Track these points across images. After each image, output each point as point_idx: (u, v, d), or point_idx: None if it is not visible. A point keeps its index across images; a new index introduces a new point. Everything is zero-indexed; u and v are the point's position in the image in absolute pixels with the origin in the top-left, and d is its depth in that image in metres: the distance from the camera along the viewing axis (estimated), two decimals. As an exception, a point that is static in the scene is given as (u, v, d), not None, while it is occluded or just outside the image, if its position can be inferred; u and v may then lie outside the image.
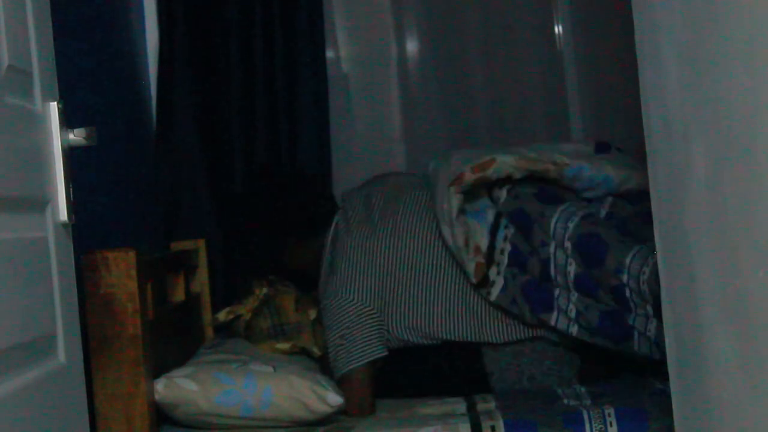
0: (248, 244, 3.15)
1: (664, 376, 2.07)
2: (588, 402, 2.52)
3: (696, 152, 1.42)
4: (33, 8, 1.69)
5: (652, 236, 2.43)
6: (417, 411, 2.59)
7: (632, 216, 2.68)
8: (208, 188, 3.53)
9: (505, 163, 2.70)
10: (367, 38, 3.79)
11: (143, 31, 3.55)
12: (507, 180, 2.75)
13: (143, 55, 3.53)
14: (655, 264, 2.49)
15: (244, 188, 3.27)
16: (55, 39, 1.82)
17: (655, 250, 2.51)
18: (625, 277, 2.54)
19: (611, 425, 2.32)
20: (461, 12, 3.75)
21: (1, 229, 1.50)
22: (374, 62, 3.78)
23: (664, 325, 1.75)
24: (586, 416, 2.35)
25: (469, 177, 2.67)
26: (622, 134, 3.60)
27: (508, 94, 3.75)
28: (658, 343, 2.50)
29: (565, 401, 2.56)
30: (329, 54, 3.67)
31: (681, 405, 1.70)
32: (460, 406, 2.58)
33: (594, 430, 2.32)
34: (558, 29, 3.76)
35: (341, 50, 3.76)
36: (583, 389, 2.65)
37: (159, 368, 2.41)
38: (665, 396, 2.07)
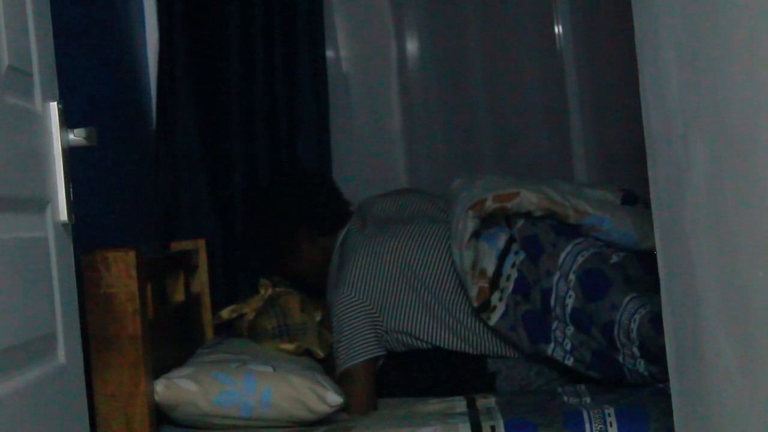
0: (258, 236, 3.17)
1: (664, 376, 2.07)
2: (588, 400, 2.53)
3: (696, 152, 1.42)
4: (33, 8, 1.69)
5: (655, 296, 2.44)
6: (417, 410, 2.59)
7: (639, 277, 2.68)
8: (208, 188, 3.53)
9: (528, 199, 2.72)
10: (367, 38, 3.79)
11: (143, 31, 3.55)
12: (526, 214, 2.76)
13: (143, 55, 3.53)
14: (651, 312, 2.51)
15: (269, 184, 3.29)
16: (55, 39, 1.82)
17: (650, 303, 2.53)
18: (618, 315, 2.57)
19: (611, 425, 2.32)
20: (461, 12, 3.75)
21: (1, 229, 1.50)
22: (374, 62, 3.78)
23: (665, 326, 1.75)
24: (586, 416, 2.35)
25: (489, 205, 2.70)
26: (622, 134, 3.61)
27: (508, 94, 3.75)
28: (653, 375, 2.54)
29: (565, 399, 2.56)
30: (329, 54, 3.67)
31: (681, 405, 1.70)
32: (460, 404, 2.59)
33: (594, 430, 2.32)
34: (558, 29, 3.76)
35: (341, 50, 3.76)
36: (583, 387, 2.66)
37: (159, 368, 2.41)
38: (665, 396, 2.07)
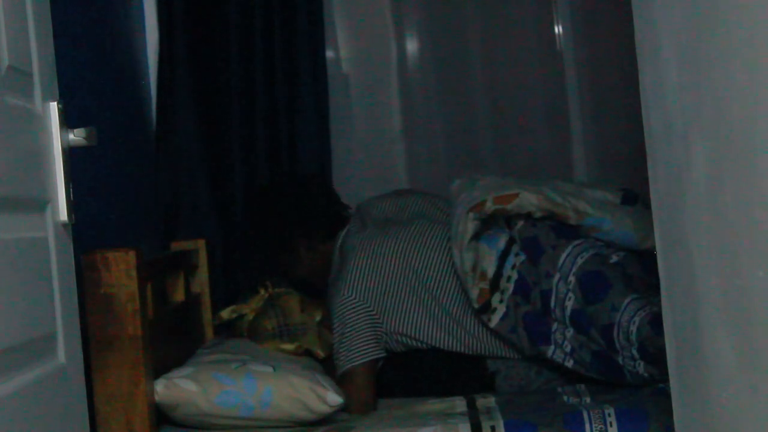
0: (257, 247, 3.18)
1: (664, 377, 2.07)
2: (588, 399, 2.53)
3: (696, 152, 1.42)
4: (33, 8, 1.70)
5: (655, 297, 2.44)
6: (417, 410, 2.59)
7: (639, 278, 2.68)
8: (208, 188, 3.53)
9: (528, 201, 2.71)
10: (367, 38, 3.79)
11: (143, 31, 3.55)
12: (526, 215, 2.76)
13: (143, 55, 3.53)
14: (651, 313, 2.51)
15: (258, 196, 3.29)
16: (55, 39, 1.82)
17: (649, 305, 2.53)
18: (617, 316, 2.57)
19: (611, 425, 2.32)
20: (461, 12, 3.75)
21: (1, 229, 1.50)
22: (374, 62, 3.78)
23: (665, 326, 1.75)
24: (586, 416, 2.35)
25: (489, 207, 2.69)
26: (622, 134, 3.61)
27: (508, 94, 3.75)
28: (653, 376, 2.54)
29: (565, 398, 2.56)
30: (329, 54, 3.67)
31: (681, 405, 1.70)
32: (460, 404, 2.59)
33: (594, 430, 2.32)
34: (558, 29, 3.76)
35: (341, 50, 3.75)
36: (583, 386, 2.66)
37: (159, 368, 2.41)
38: (665, 396, 2.07)
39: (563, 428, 2.32)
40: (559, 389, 2.68)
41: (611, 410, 2.36)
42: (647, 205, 2.80)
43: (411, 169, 3.75)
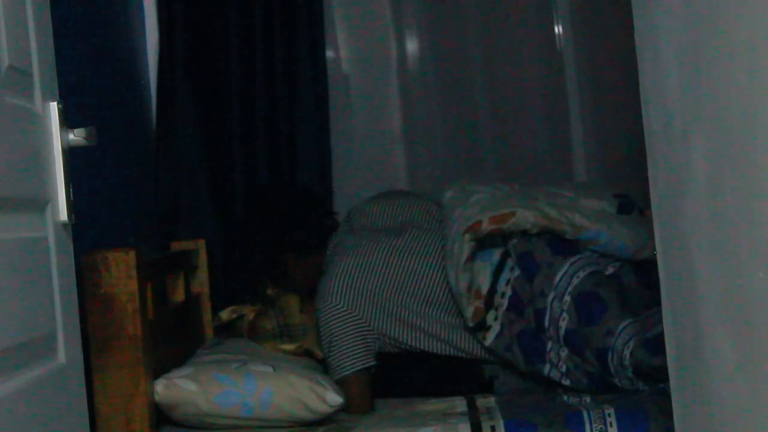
0: (249, 264, 3.16)
1: (665, 376, 2.07)
2: (588, 400, 2.53)
3: (696, 152, 1.42)
4: (33, 8, 1.70)
5: (650, 311, 2.44)
6: (417, 410, 2.59)
7: (635, 289, 2.68)
8: (208, 188, 3.53)
9: (525, 219, 2.69)
10: (367, 38, 3.79)
11: (143, 31, 3.55)
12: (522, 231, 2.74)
13: (143, 55, 3.53)
14: (645, 337, 2.51)
15: (246, 208, 3.27)
16: (55, 39, 1.82)
17: (643, 330, 2.53)
18: (612, 340, 2.56)
19: (611, 425, 2.32)
20: (461, 12, 3.75)
21: (1, 229, 1.50)
22: (374, 62, 3.78)
23: (665, 326, 1.75)
24: (586, 416, 2.35)
25: (486, 227, 2.67)
26: (622, 134, 3.61)
27: (508, 94, 3.75)
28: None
29: (565, 398, 2.56)
30: (329, 54, 3.67)
31: (681, 405, 1.70)
32: (460, 404, 2.58)
33: (594, 430, 2.32)
34: (558, 29, 3.76)
35: (341, 50, 3.75)
36: (583, 386, 2.67)
37: (159, 368, 2.41)
38: (665, 396, 2.07)
39: (563, 428, 2.32)
40: (559, 389, 2.68)
41: (611, 410, 2.36)
42: (642, 213, 2.80)
43: (411, 169, 3.75)
